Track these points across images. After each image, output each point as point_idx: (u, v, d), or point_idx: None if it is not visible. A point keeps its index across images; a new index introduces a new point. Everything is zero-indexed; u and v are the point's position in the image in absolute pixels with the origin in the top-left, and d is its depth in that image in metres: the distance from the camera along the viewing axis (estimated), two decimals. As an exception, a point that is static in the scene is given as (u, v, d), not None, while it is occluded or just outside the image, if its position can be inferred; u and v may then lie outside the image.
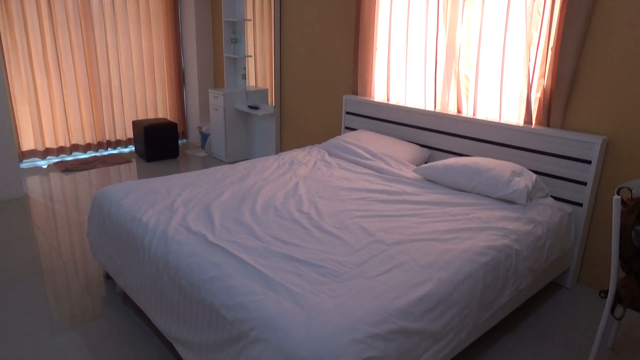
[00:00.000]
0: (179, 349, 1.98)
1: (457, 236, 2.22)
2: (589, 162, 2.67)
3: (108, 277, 2.87)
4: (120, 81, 5.47)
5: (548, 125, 2.90)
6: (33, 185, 4.40)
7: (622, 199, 1.92)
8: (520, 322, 2.55)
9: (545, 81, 2.84)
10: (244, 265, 1.90)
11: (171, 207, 2.47)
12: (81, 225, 3.58)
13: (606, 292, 2.03)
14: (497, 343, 2.38)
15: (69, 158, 5.25)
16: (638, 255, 1.91)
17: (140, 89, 5.65)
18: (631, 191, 2.04)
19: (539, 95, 2.89)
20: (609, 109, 2.66)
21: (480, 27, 3.07)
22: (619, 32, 2.55)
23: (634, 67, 2.52)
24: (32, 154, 5.08)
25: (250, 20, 5.03)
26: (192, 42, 5.68)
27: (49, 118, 5.07)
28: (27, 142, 5.02)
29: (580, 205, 2.75)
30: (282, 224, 2.30)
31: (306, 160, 3.38)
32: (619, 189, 1.98)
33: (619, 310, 2.04)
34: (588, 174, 2.68)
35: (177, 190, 2.70)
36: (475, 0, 3.07)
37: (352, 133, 3.70)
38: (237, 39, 5.21)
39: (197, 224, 2.27)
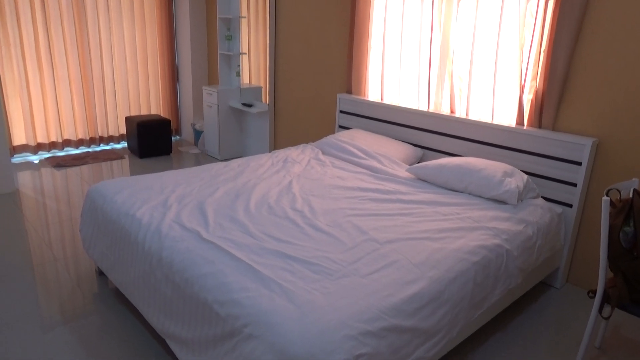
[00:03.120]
0: (171, 345, 1.98)
1: (449, 235, 2.24)
2: (579, 164, 2.70)
3: (100, 272, 2.86)
4: (113, 76, 5.44)
5: (540, 126, 2.93)
6: (24, 180, 4.37)
7: (610, 200, 1.95)
8: (510, 321, 2.58)
9: (537, 83, 2.88)
10: (237, 262, 1.90)
11: (165, 203, 2.47)
12: (72, 220, 3.56)
13: (594, 292, 2.07)
14: (488, 341, 2.40)
15: (61, 153, 5.22)
16: (626, 256, 1.94)
17: (133, 85, 5.63)
18: (620, 192, 2.08)
19: (531, 96, 2.92)
20: (599, 111, 2.70)
21: (474, 28, 3.09)
22: (609, 35, 2.58)
23: (624, 70, 2.56)
24: (24, 148, 5.04)
25: (245, 17, 5.02)
26: (186, 38, 5.66)
27: (41, 113, 5.04)
28: (19, 137, 4.98)
29: (570, 206, 2.79)
30: (276, 221, 2.31)
31: (300, 159, 3.39)
32: (608, 191, 2.01)
33: (606, 310, 2.08)
34: (578, 175, 2.72)
35: (170, 187, 2.70)
36: (469, 1, 3.10)
37: (346, 132, 3.72)
38: (231, 36, 5.20)
39: (190, 220, 2.28)
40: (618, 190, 2.09)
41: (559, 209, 2.78)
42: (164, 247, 2.07)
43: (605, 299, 2.03)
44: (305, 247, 2.05)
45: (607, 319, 2.08)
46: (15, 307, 2.51)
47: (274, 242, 2.09)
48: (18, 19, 4.67)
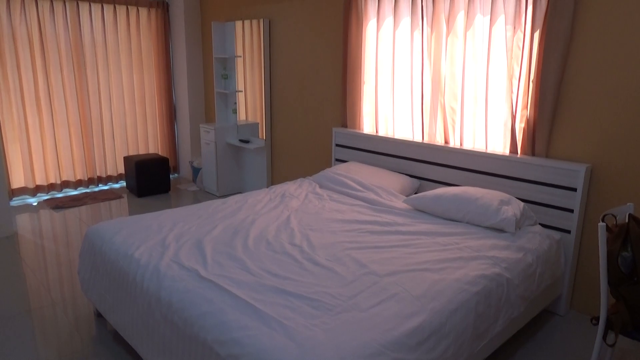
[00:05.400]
0: (171, 387, 1.95)
1: (449, 266, 2.24)
2: (575, 190, 2.72)
3: (98, 315, 2.83)
4: (111, 118, 5.51)
5: (533, 154, 2.96)
6: (23, 223, 4.37)
7: (607, 226, 1.96)
8: (515, 351, 2.54)
9: (528, 112, 2.93)
10: (236, 300, 1.89)
11: (163, 243, 2.47)
12: (71, 262, 3.54)
13: (597, 319, 2.05)
14: (493, 373, 2.36)
15: (60, 195, 5.23)
16: (626, 281, 1.94)
17: (131, 125, 5.70)
18: (615, 218, 2.09)
19: (522, 125, 2.97)
20: (590, 138, 2.74)
21: (464, 61, 3.17)
22: (596, 63, 2.65)
23: (612, 96, 2.61)
24: (23, 191, 5.05)
25: (241, 56, 5.14)
26: (183, 78, 5.78)
27: (40, 155, 5.08)
28: (18, 180, 5.01)
29: (569, 232, 2.79)
30: (275, 257, 2.31)
31: (297, 193, 3.40)
32: (604, 216, 2.02)
33: (610, 336, 2.05)
34: (574, 201, 2.73)
35: (169, 225, 2.71)
36: (457, 36, 3.18)
37: (343, 165, 3.75)
38: (227, 74, 5.31)
39: (189, 259, 2.27)
40: (614, 215, 2.10)
41: (557, 235, 2.78)
42: (163, 287, 2.06)
43: (609, 325, 2.01)
44: (304, 283, 2.04)
45: (611, 346, 2.05)
46: (13, 352, 2.47)
47: (273, 278, 2.09)
48: (18, 65, 4.77)
